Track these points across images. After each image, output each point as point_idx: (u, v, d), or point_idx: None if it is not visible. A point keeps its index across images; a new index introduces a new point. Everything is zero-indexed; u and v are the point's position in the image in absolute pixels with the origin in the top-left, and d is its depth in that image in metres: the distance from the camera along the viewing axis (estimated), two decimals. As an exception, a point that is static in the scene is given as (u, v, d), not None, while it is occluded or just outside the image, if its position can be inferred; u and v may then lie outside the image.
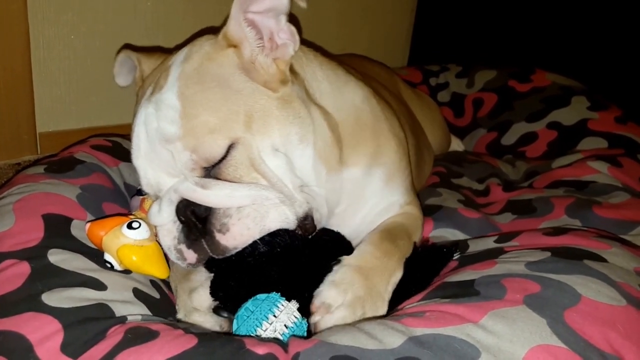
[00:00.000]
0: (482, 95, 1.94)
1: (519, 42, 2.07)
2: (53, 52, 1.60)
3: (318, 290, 0.86)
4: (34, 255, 0.88)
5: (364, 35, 2.31)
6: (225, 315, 0.88)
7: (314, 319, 0.84)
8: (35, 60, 1.58)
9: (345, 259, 0.91)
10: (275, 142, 0.87)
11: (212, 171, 0.86)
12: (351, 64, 1.37)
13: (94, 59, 1.66)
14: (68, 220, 0.97)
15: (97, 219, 0.97)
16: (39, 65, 1.59)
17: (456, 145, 1.87)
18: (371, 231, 1.03)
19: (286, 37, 0.90)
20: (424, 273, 0.96)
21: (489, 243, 1.08)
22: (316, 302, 0.85)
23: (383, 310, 0.89)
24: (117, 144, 1.31)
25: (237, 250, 0.86)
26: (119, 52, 1.11)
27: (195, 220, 0.85)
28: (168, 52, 1.01)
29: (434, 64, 2.18)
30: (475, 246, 1.09)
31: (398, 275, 0.94)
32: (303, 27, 2.10)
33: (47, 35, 1.58)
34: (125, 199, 1.16)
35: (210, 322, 0.89)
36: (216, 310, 0.89)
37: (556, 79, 1.83)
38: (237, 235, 0.84)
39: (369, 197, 1.05)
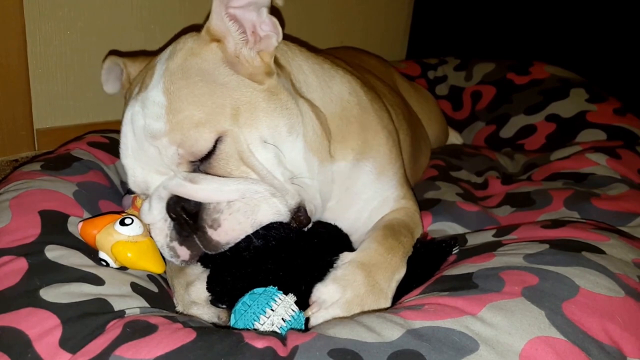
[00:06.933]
0: (480, 88, 1.93)
1: (518, 35, 2.06)
2: (49, 48, 1.60)
3: (318, 285, 0.86)
4: (32, 251, 0.88)
5: (361, 28, 2.30)
6: (224, 306, 0.88)
7: (307, 313, 0.84)
8: (31, 56, 1.57)
9: (349, 255, 0.91)
10: (263, 134, 0.87)
11: (201, 166, 0.86)
12: (346, 56, 1.36)
13: (91, 54, 1.66)
14: (65, 217, 0.97)
15: (88, 218, 0.97)
16: (36, 61, 1.59)
17: (454, 138, 1.87)
18: (372, 228, 1.03)
19: (269, 29, 0.90)
20: (424, 269, 0.96)
21: (488, 236, 1.08)
22: (312, 297, 0.85)
23: (385, 307, 0.88)
24: (114, 141, 1.30)
25: (230, 245, 0.85)
26: (104, 60, 1.12)
27: (186, 217, 0.85)
28: (153, 54, 1.01)
29: (432, 57, 2.18)
30: (474, 239, 1.09)
31: (402, 272, 0.93)
32: (298, 20, 2.11)
33: (43, 31, 1.57)
34: (122, 197, 1.15)
35: (209, 314, 0.89)
36: (213, 302, 0.89)
37: (555, 71, 1.82)
38: (228, 230, 0.84)
39: (360, 191, 1.04)
